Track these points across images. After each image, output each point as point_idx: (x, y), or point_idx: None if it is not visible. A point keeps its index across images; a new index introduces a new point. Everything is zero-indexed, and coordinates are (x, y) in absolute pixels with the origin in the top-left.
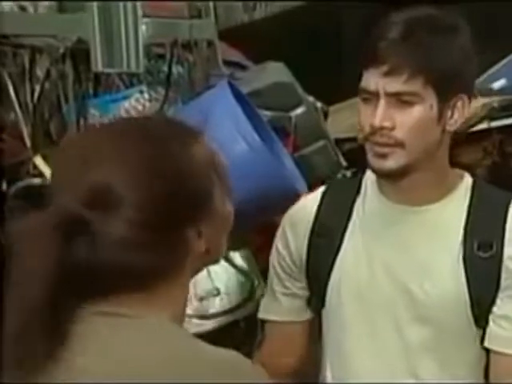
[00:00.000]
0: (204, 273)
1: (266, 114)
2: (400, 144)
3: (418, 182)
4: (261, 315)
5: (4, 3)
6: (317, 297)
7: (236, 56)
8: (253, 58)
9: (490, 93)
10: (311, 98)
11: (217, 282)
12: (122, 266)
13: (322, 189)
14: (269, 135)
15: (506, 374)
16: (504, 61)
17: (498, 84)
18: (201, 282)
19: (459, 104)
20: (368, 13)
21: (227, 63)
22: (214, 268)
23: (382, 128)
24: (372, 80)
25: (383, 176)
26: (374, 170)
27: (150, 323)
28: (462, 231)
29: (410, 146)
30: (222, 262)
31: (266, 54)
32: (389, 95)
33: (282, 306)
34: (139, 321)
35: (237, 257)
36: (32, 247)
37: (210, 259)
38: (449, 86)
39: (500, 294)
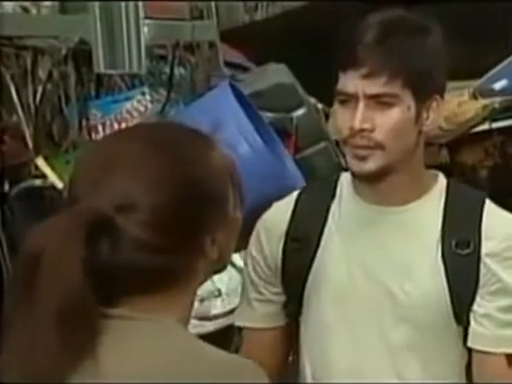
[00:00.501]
0: None
1: (267, 116)
2: (380, 146)
3: (395, 183)
4: (236, 322)
5: (6, 4)
6: (293, 302)
7: (237, 57)
8: (254, 60)
9: (491, 94)
10: (312, 100)
11: (218, 283)
12: (140, 268)
13: (296, 192)
14: (270, 136)
15: (490, 373)
16: (505, 62)
17: (499, 85)
18: None
19: (434, 104)
20: (369, 13)
21: (229, 64)
22: None
23: (361, 130)
24: (350, 82)
25: (362, 178)
26: (353, 173)
27: (158, 326)
28: (439, 230)
29: (389, 148)
30: None
31: (268, 56)
32: (368, 97)
33: (257, 312)
34: (148, 324)
35: (238, 258)
36: (59, 246)
37: (218, 266)
38: (425, 87)
39: (479, 291)
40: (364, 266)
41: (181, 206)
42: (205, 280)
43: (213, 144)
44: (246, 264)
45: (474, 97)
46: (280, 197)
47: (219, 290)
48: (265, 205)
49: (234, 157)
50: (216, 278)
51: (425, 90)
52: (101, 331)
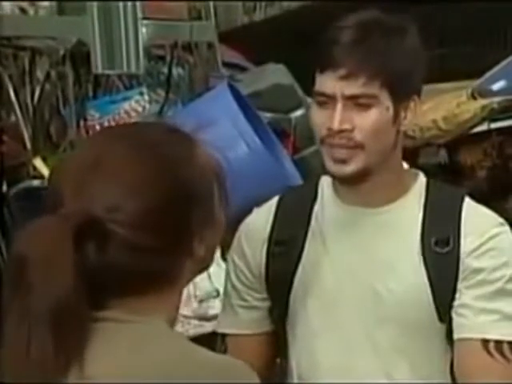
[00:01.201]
0: (204, 275)
1: (265, 116)
2: (360, 146)
3: (375, 183)
4: (220, 329)
5: (4, 4)
6: (279, 306)
7: (236, 58)
8: (253, 60)
9: (489, 94)
10: (311, 100)
11: (216, 283)
12: (130, 270)
13: (276, 197)
14: (269, 137)
15: (469, 361)
16: (504, 62)
17: (497, 85)
18: (200, 283)
19: (412, 105)
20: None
21: (227, 65)
22: (213, 270)
23: (341, 131)
24: (328, 83)
25: (343, 180)
26: (332, 175)
27: (147, 328)
28: (419, 229)
29: (368, 148)
30: (222, 264)
31: (266, 56)
32: (346, 98)
33: (241, 318)
34: (137, 326)
35: None
36: (49, 249)
37: (203, 265)
38: (403, 87)
39: (458, 286)
40: (348, 267)
41: (168, 206)
42: (191, 279)
43: (198, 144)
44: (228, 271)
45: (473, 97)
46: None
47: (217, 291)
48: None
49: (218, 157)
50: (214, 278)
51: (403, 90)
52: (91, 334)
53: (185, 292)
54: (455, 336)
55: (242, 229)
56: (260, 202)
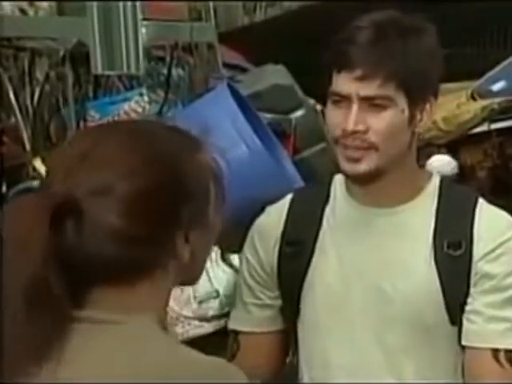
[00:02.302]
0: (204, 275)
1: (266, 117)
2: (374, 147)
3: (388, 184)
4: (232, 327)
5: (4, 5)
6: (290, 305)
7: (236, 58)
8: (253, 61)
9: (489, 95)
10: (311, 101)
11: (216, 284)
12: (108, 257)
13: (289, 196)
14: (269, 138)
15: (478, 369)
16: (504, 63)
17: (497, 86)
18: (200, 284)
19: (428, 107)
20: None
21: (227, 66)
22: (213, 270)
23: (355, 132)
24: (344, 84)
25: (355, 179)
26: (345, 174)
27: (134, 329)
28: (431, 231)
29: (383, 149)
30: (222, 265)
31: (266, 57)
32: (361, 99)
33: (254, 316)
34: (123, 327)
35: (236, 259)
36: (24, 225)
37: (191, 272)
38: (419, 89)
39: (471, 290)
40: (358, 267)
41: (155, 197)
42: (177, 284)
43: (198, 144)
44: (241, 269)
45: (473, 98)
46: (278, 199)
47: (217, 292)
48: (263, 207)
49: (222, 163)
50: (214, 279)
51: (419, 92)
52: (69, 335)
53: (185, 293)
54: (464, 342)
55: (254, 227)
56: (260, 203)
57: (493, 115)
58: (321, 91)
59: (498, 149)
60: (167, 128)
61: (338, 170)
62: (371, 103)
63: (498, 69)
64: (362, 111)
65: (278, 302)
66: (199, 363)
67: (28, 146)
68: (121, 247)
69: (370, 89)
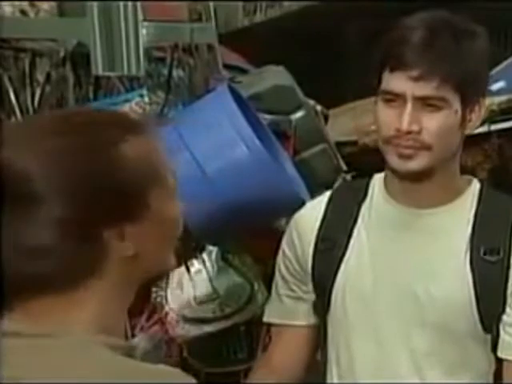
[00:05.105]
0: (204, 276)
1: (266, 118)
2: (426, 147)
3: (433, 184)
4: (266, 319)
5: (4, 5)
6: (322, 302)
7: (236, 60)
8: (253, 62)
9: (488, 95)
10: (311, 102)
11: (216, 285)
12: (26, 270)
13: (328, 193)
14: (269, 139)
15: None
16: (503, 63)
17: (496, 86)
18: (200, 285)
19: (477, 108)
20: (368, 16)
21: (227, 67)
22: (213, 271)
23: (409, 132)
24: (399, 83)
25: (405, 177)
26: (394, 171)
27: (69, 344)
28: (468, 235)
29: (435, 149)
30: (222, 266)
31: (267, 58)
32: (416, 99)
33: (287, 308)
34: (58, 342)
35: (237, 260)
36: None
37: (146, 266)
38: (472, 91)
39: (508, 300)
40: (390, 267)
41: (74, 196)
42: (136, 283)
43: (137, 130)
44: (278, 260)
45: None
46: (278, 199)
47: (217, 293)
48: (263, 208)
49: (163, 147)
50: (214, 280)
51: (472, 94)
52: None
53: (185, 294)
54: (501, 354)
55: (293, 222)
56: (260, 203)
57: (493, 116)
58: (321, 92)
59: (498, 150)
60: (103, 114)
61: (338, 171)
62: (425, 103)
63: (497, 69)
64: (416, 111)
65: (312, 297)
66: (143, 368)
67: None
68: (40, 260)
69: (426, 89)
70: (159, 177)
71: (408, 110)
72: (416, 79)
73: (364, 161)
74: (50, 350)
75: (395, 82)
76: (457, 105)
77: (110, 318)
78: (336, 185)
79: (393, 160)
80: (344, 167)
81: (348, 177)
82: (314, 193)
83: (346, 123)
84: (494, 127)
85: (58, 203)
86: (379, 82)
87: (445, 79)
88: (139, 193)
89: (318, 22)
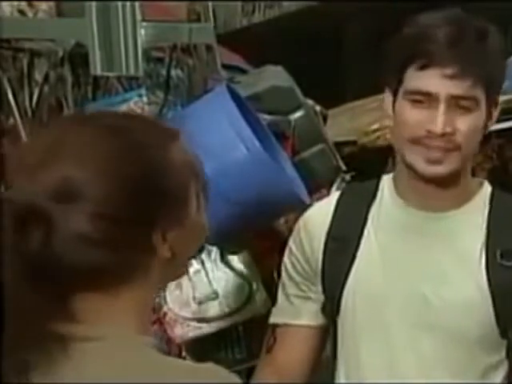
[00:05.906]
0: (203, 276)
1: (265, 118)
2: (458, 148)
3: (450, 187)
4: (273, 320)
5: (3, 4)
6: (331, 303)
7: (235, 60)
8: (252, 62)
9: None
10: (310, 102)
11: (216, 285)
12: (79, 263)
13: (337, 193)
14: (268, 139)
15: None
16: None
17: None
18: (200, 285)
19: (494, 108)
20: (367, 16)
21: (226, 67)
22: (213, 271)
23: (443, 134)
24: (432, 81)
25: (431, 181)
26: (422, 176)
27: (115, 346)
28: (482, 239)
29: (465, 150)
30: (222, 266)
31: (266, 58)
32: (450, 99)
33: (296, 308)
34: (104, 344)
35: (236, 261)
36: None
37: (175, 270)
38: (496, 90)
39: None
40: (400, 270)
41: (126, 196)
42: (163, 284)
43: (177, 139)
44: (285, 261)
45: None
46: (278, 200)
47: (216, 293)
48: (263, 208)
49: (199, 159)
50: (214, 280)
51: (495, 93)
52: (50, 355)
53: (184, 294)
54: None
55: (301, 222)
56: (260, 204)
57: None
58: (320, 92)
59: (497, 150)
60: (144, 119)
61: (337, 171)
62: (457, 104)
63: None
64: (449, 112)
65: (321, 297)
66: (190, 366)
67: None
68: (91, 252)
69: (461, 88)
70: (198, 186)
71: (442, 111)
72: (451, 77)
73: (363, 161)
74: (105, 353)
75: (426, 80)
76: (484, 105)
77: (146, 317)
78: (336, 184)
79: (419, 164)
80: (343, 167)
81: (347, 177)
82: (313, 193)
83: (345, 123)
84: (493, 127)
85: (115, 202)
86: (399, 81)
87: (478, 78)
88: (182, 198)
89: (316, 22)
